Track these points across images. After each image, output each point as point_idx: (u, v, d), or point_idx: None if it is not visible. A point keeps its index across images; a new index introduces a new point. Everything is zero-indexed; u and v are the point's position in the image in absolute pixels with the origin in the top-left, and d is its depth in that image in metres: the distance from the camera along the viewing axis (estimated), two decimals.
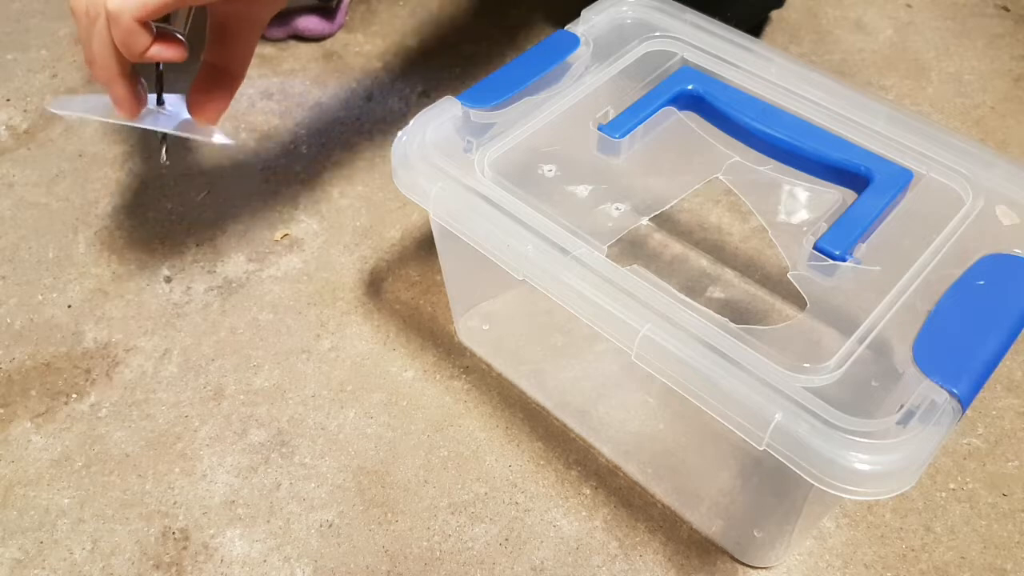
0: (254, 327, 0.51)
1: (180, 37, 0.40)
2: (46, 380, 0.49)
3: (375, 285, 0.53)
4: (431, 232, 0.46)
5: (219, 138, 0.45)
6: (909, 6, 0.74)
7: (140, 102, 0.42)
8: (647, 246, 0.54)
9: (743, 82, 0.43)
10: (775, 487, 0.37)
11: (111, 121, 0.43)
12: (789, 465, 0.29)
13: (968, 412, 0.31)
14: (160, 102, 0.44)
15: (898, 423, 0.29)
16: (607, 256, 0.35)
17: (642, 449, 0.45)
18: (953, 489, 0.44)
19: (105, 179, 0.60)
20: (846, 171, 0.39)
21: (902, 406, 0.29)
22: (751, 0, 0.67)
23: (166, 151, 0.46)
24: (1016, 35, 0.71)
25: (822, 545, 0.42)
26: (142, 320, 0.51)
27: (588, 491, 0.44)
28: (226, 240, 0.56)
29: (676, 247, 0.54)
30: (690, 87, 0.43)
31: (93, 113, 0.44)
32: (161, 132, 0.45)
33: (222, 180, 0.60)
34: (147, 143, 0.62)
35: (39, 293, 0.53)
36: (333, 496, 0.44)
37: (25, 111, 0.65)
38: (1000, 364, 0.31)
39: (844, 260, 0.35)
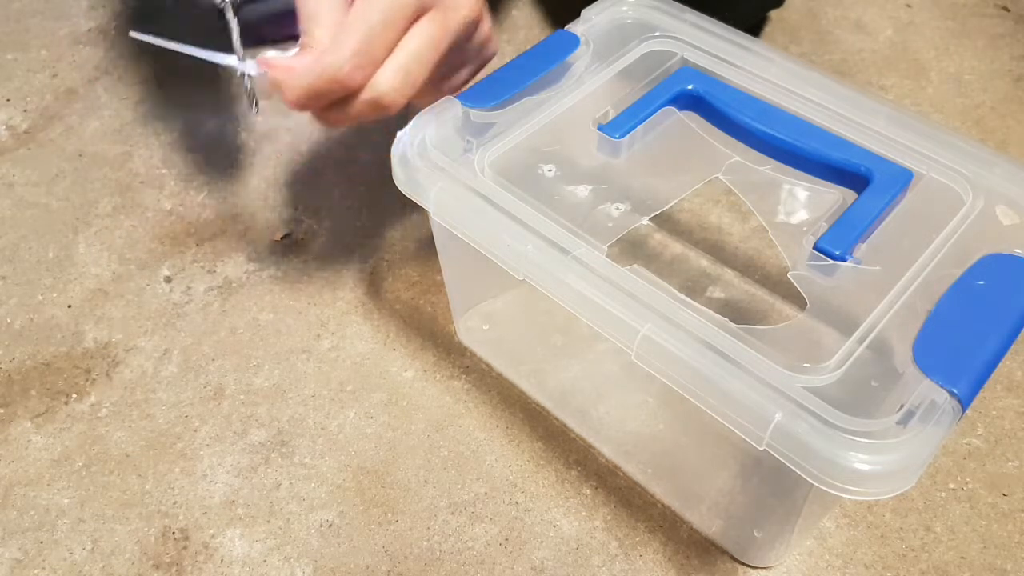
0: (254, 327, 0.51)
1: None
2: (46, 380, 0.49)
3: (375, 285, 0.53)
4: (431, 232, 0.46)
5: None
6: (909, 6, 0.74)
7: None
8: (647, 246, 0.54)
9: (743, 82, 0.43)
10: (775, 487, 0.37)
11: (193, 53, 0.42)
12: (789, 465, 0.29)
13: (968, 412, 0.31)
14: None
15: (898, 423, 0.29)
16: (607, 256, 0.35)
17: (642, 449, 0.45)
18: (953, 489, 0.44)
19: (105, 179, 0.60)
20: (846, 171, 0.39)
21: (902, 406, 0.29)
22: (751, 0, 0.67)
23: (256, 103, 0.46)
24: (1016, 35, 0.71)
25: (822, 545, 0.42)
26: (142, 320, 0.51)
27: (588, 491, 0.44)
28: (226, 240, 0.56)
29: (676, 247, 0.54)
30: (690, 87, 0.43)
31: (175, 47, 0.43)
32: (249, 86, 0.44)
33: (222, 180, 0.60)
34: (147, 140, 0.62)
35: (39, 293, 0.53)
36: (333, 496, 0.44)
37: (25, 111, 0.65)
38: (1000, 364, 0.31)
39: (844, 260, 0.35)
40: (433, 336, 0.51)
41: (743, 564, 0.41)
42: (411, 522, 0.43)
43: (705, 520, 0.42)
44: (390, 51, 0.39)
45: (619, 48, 0.45)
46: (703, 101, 0.42)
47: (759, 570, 0.41)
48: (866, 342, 0.32)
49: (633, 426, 0.45)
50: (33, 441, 0.46)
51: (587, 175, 0.40)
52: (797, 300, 0.35)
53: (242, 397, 0.48)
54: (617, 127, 0.41)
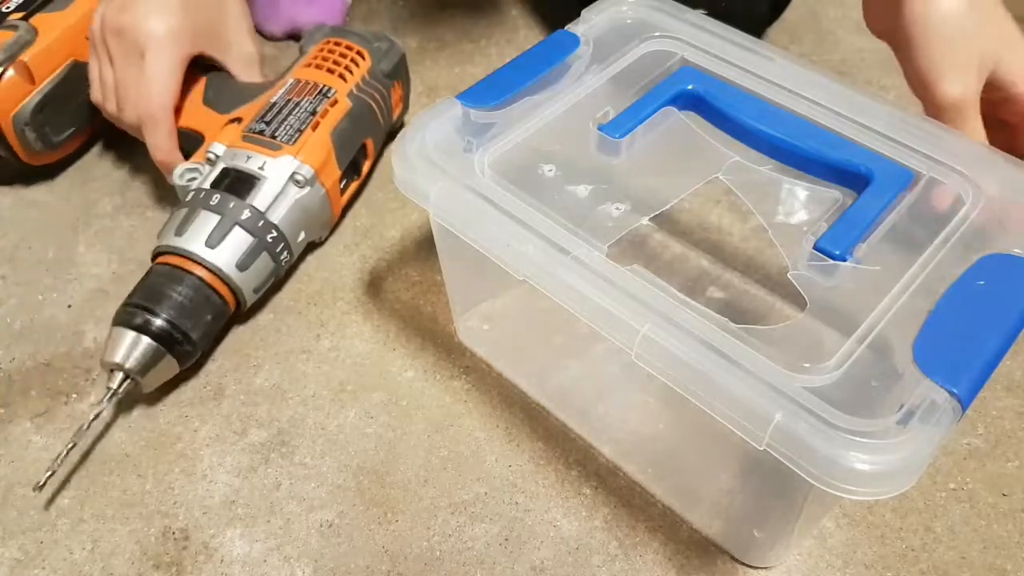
0: (254, 327, 0.51)
1: None
2: (46, 380, 0.49)
3: (375, 285, 0.53)
4: (431, 232, 0.46)
5: None
6: None
7: None
8: (647, 246, 0.54)
9: (743, 82, 0.43)
10: (775, 487, 0.37)
11: None
12: (789, 465, 0.29)
13: (968, 412, 0.31)
14: None
15: (898, 423, 0.29)
16: (607, 256, 0.35)
17: (642, 449, 0.45)
18: (953, 489, 0.44)
19: (105, 179, 0.60)
20: (846, 171, 0.39)
21: (902, 406, 0.29)
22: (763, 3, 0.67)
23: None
24: None
25: (822, 545, 0.42)
26: None
27: (588, 491, 0.44)
28: None
29: (676, 247, 0.54)
30: (690, 87, 0.43)
31: None
32: None
33: None
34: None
35: (39, 293, 0.53)
36: (333, 496, 0.44)
37: None
38: (1000, 364, 0.31)
39: (844, 260, 0.35)
40: (433, 336, 0.51)
41: (743, 564, 0.41)
42: (411, 522, 0.43)
43: (705, 520, 0.42)
44: None
45: (619, 48, 0.45)
46: (703, 101, 0.42)
47: (759, 570, 0.41)
48: (866, 342, 0.32)
49: (633, 426, 0.45)
50: (33, 441, 0.46)
51: (587, 175, 0.40)
52: (797, 300, 0.35)
53: (242, 397, 0.48)
54: (617, 127, 0.41)
